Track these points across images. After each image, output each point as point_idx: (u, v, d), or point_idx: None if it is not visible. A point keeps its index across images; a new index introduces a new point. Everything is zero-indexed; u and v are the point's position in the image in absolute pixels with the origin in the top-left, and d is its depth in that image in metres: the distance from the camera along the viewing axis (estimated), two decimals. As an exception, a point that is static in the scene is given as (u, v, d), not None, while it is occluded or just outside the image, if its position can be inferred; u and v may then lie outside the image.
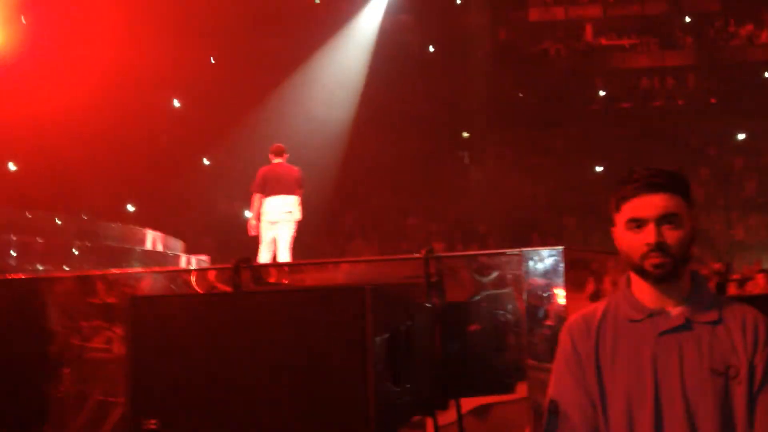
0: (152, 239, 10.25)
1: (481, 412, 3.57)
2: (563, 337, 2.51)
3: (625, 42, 22.02)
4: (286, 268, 3.16)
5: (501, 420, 3.56)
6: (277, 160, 9.15)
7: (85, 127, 13.60)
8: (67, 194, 13.14)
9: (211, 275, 3.17)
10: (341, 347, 2.55)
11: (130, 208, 15.85)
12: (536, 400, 3.23)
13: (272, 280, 3.11)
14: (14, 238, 7.43)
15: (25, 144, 12.75)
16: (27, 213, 8.57)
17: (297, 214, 8.93)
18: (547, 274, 3.34)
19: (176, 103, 18.44)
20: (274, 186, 8.80)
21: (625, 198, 2.35)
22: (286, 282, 3.26)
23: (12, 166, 13.57)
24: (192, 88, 17.30)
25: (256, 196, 8.98)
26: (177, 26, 15.92)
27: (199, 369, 2.58)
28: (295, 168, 9.18)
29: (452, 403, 3.34)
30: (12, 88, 12.39)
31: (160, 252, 10.28)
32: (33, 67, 13.06)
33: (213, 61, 18.54)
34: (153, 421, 2.55)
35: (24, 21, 13.01)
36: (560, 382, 2.48)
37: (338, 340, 2.55)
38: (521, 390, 3.38)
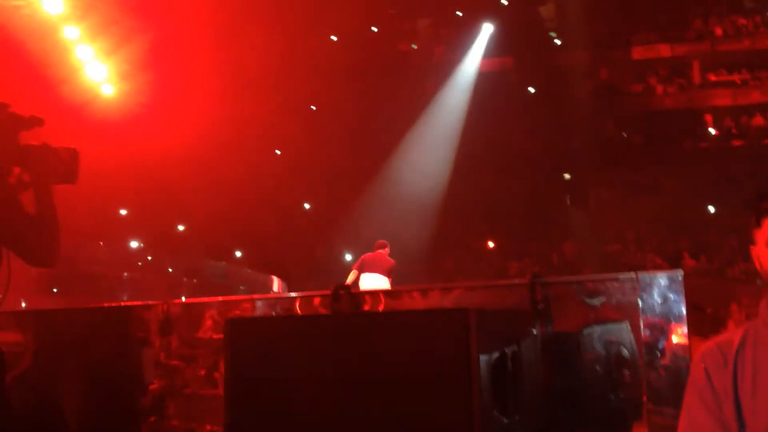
0: (257, 280, 10.46)
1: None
2: (696, 368, 2.30)
3: (736, 77, 21.11)
4: (382, 296, 3.07)
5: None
6: (379, 250, 10.61)
7: (194, 175, 14.13)
8: (178, 235, 13.61)
9: (315, 302, 3.11)
10: (443, 372, 2.41)
11: (238, 254, 16.28)
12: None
13: (367, 307, 3.03)
14: (126, 275, 7.74)
15: (140, 186, 13.36)
16: (129, 250, 8.92)
17: (387, 285, 10.03)
18: (666, 300, 3.10)
19: (278, 152, 18.94)
20: (371, 267, 10.32)
21: (767, 213, 2.16)
22: (382, 308, 3.17)
23: (122, 211, 14.19)
24: (293, 136, 17.75)
25: (353, 272, 10.41)
26: (277, 77, 16.45)
27: (298, 392, 2.50)
28: (391, 260, 10.58)
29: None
30: (131, 137, 13.09)
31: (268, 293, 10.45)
32: (150, 120, 13.75)
33: (314, 109, 19.00)
34: (251, 447, 2.48)
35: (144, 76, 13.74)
36: (693, 418, 2.25)
37: (441, 364, 2.41)
38: (638, 429, 3.12)
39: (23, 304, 5.65)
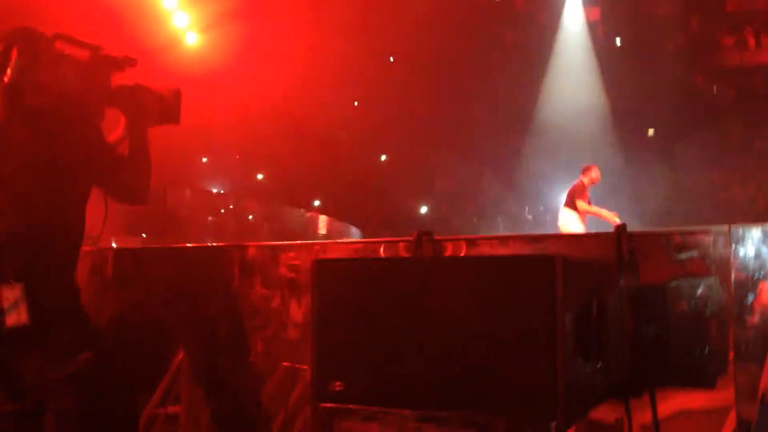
0: (334, 227, 10.63)
1: (677, 415, 3.28)
2: None
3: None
4: (463, 243, 3.08)
5: (699, 426, 3.24)
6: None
7: (277, 124, 14.32)
8: (259, 183, 13.89)
9: (399, 246, 3.15)
10: (529, 317, 2.41)
11: (317, 203, 16.51)
12: (742, 410, 2.91)
13: (448, 253, 3.04)
14: (211, 219, 7.98)
15: (225, 138, 13.65)
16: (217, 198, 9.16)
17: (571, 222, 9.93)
18: (759, 255, 3.00)
19: (356, 104, 18.96)
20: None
21: None
22: (464, 254, 3.18)
23: (204, 159, 14.54)
24: (371, 86, 17.72)
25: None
26: (358, 28, 16.37)
27: (382, 333, 2.55)
28: (576, 185, 10.48)
29: (646, 395, 3.09)
30: (216, 87, 13.32)
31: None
32: (234, 70, 13.95)
33: (392, 60, 18.89)
34: (338, 383, 2.55)
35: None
36: None
37: (526, 309, 2.41)
38: (723, 390, 3.06)
39: (114, 244, 5.91)
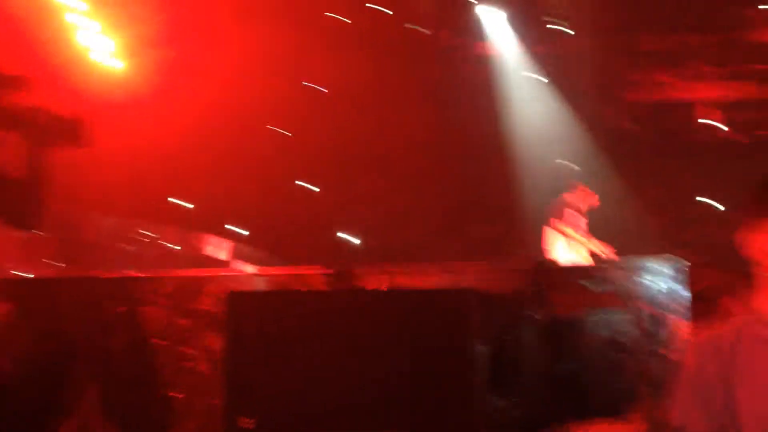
0: (264, 260, 10.49)
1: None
2: (689, 358, 2.31)
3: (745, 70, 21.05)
4: (385, 275, 3.06)
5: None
6: None
7: (205, 151, 14.06)
8: (186, 214, 13.58)
9: (319, 279, 3.09)
10: (444, 352, 2.42)
11: (244, 232, 16.22)
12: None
13: (371, 287, 3.01)
14: (130, 247, 7.76)
15: (150, 163, 13.31)
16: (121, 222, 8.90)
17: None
18: (669, 289, 3.09)
19: (289, 134, 18.85)
20: None
21: (764, 210, 2.13)
22: (385, 287, 3.16)
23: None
24: (303, 116, 17.67)
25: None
26: (289, 56, 16.36)
27: (296, 368, 2.50)
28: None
29: (561, 427, 3.12)
30: (137, 113, 12.99)
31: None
32: (157, 95, 13.64)
33: (325, 90, 18.91)
34: (248, 420, 2.48)
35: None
36: (685, 408, 2.26)
37: (441, 343, 2.42)
38: (637, 420, 3.12)
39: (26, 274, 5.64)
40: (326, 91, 18.17)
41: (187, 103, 13.86)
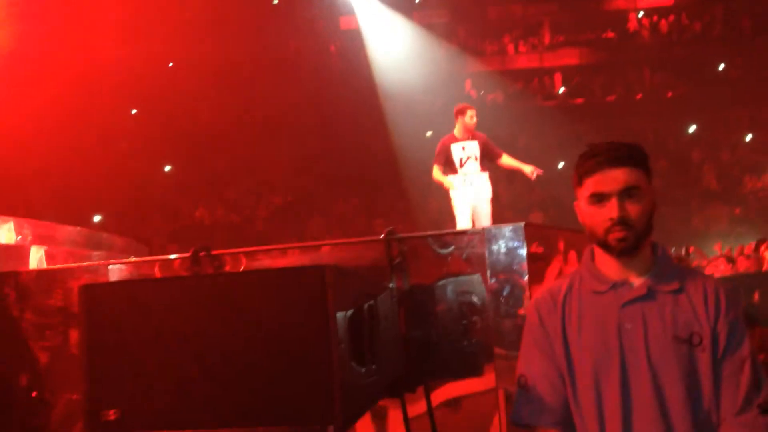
0: (115, 244, 10.09)
1: (450, 403, 3.54)
2: (530, 312, 2.54)
3: (582, 38, 22.34)
4: (243, 257, 3.11)
5: (471, 409, 3.54)
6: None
7: (44, 136, 13.39)
8: (29, 202, 12.91)
9: (175, 264, 3.10)
10: (302, 327, 2.50)
11: (97, 218, 15.60)
12: (506, 387, 3.22)
13: (229, 268, 3.05)
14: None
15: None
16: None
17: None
18: (510, 251, 3.33)
19: (134, 111, 18.21)
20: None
21: (587, 173, 2.39)
22: (244, 268, 3.21)
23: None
24: (150, 93, 17.12)
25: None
26: (136, 30, 15.75)
27: (158, 355, 2.51)
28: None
29: (421, 390, 3.31)
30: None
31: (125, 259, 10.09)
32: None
33: (171, 65, 18.34)
34: (112, 411, 2.47)
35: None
36: (528, 357, 2.50)
37: (299, 320, 2.50)
38: (489, 375, 3.36)
39: None
40: (171, 64, 17.61)
41: (31, 85, 13.10)
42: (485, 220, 8.69)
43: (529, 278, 3.37)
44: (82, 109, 14.36)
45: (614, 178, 2.32)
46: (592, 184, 2.36)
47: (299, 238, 17.55)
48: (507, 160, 8.92)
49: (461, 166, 8.69)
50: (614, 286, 2.39)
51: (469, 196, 8.72)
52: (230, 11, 18.05)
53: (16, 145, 12.97)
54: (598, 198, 2.35)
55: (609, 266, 2.40)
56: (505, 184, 19.04)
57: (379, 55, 20.41)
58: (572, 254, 3.64)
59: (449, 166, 8.76)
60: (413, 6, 21.59)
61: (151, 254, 12.70)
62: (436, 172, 8.73)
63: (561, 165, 20.25)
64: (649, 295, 2.34)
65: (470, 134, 8.72)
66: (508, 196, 19.20)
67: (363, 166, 18.34)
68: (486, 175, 8.77)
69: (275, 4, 20.54)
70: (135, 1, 15.42)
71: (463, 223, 8.73)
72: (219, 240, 15.79)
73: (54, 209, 12.85)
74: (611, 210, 2.32)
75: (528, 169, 8.77)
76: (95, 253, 9.43)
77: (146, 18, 15.85)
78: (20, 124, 12.91)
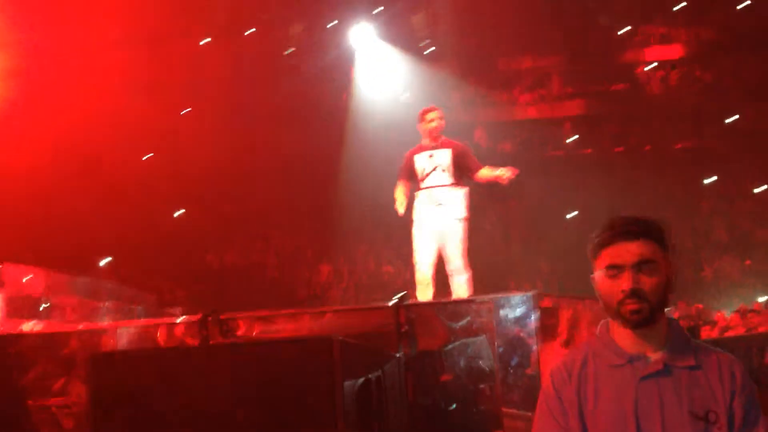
0: (125, 295, 10.14)
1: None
2: (546, 383, 2.56)
3: (591, 89, 22.53)
4: (250, 320, 3.12)
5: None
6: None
7: (52, 182, 13.55)
8: (37, 248, 12.99)
9: (179, 329, 3.11)
10: (310, 397, 2.50)
11: (104, 261, 15.67)
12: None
13: (241, 332, 3.06)
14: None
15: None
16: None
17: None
18: (520, 320, 3.33)
19: (145, 157, 18.42)
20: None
21: (602, 245, 2.44)
22: (256, 333, 3.22)
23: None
24: (164, 139, 17.34)
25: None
26: (150, 81, 16.02)
27: (164, 424, 2.51)
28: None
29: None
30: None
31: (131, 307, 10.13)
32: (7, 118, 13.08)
33: (183, 113, 18.60)
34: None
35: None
36: (543, 427, 2.50)
37: (307, 391, 2.50)
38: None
39: None
40: (189, 109, 17.85)
41: (51, 131, 13.30)
42: (454, 247, 6.84)
43: (538, 344, 3.35)
44: (92, 154, 14.56)
45: (628, 250, 2.37)
46: (607, 257, 2.41)
47: (308, 284, 17.56)
48: (484, 173, 7.28)
49: (423, 179, 7.17)
50: (631, 359, 2.41)
51: (432, 221, 6.98)
52: (243, 62, 18.38)
53: (24, 191, 13.12)
54: (613, 270, 2.39)
55: (625, 339, 2.44)
56: (514, 235, 19.07)
57: (390, 104, 20.65)
58: (581, 321, 3.64)
59: (415, 182, 7.33)
60: (425, 55, 21.90)
61: (159, 302, 12.71)
62: (398, 191, 7.26)
63: (569, 215, 20.27)
64: (665, 370, 2.37)
65: (437, 141, 7.28)
66: (515, 246, 19.18)
67: (375, 212, 18.42)
68: (461, 192, 7.13)
69: (288, 54, 20.88)
70: (150, 52, 15.74)
71: (420, 264, 6.87)
72: (228, 285, 15.79)
73: (62, 255, 12.93)
74: (625, 282, 2.36)
75: (501, 172, 7.17)
76: (104, 304, 9.48)
77: (161, 68, 16.15)
78: (28, 169, 13.09)
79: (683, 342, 2.43)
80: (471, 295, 3.33)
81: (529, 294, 3.33)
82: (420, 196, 7.12)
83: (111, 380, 2.56)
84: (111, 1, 14.31)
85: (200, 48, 18.28)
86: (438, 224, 6.93)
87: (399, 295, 3.14)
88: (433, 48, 21.80)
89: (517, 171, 7.20)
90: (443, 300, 3.24)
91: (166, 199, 17.40)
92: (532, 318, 3.30)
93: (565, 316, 3.62)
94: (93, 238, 14.96)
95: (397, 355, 3.10)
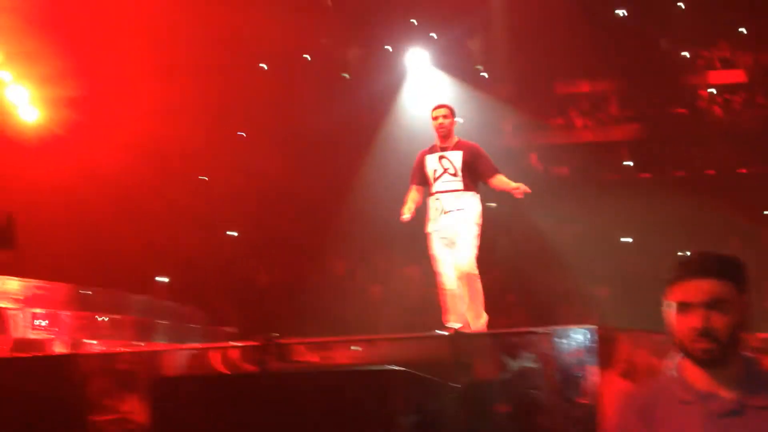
0: (180, 313, 10.32)
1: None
2: (612, 414, 2.52)
3: (650, 112, 22.17)
4: (305, 347, 3.13)
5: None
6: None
7: (114, 197, 13.91)
8: (96, 265, 13.32)
9: (234, 353, 3.14)
10: (368, 429, 2.49)
11: (161, 280, 16.00)
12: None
13: (297, 357, 3.07)
14: (42, 311, 7.51)
15: (53, 214, 13.08)
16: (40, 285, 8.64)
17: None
18: (578, 352, 3.26)
19: (204, 178, 18.79)
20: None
21: (675, 281, 2.42)
22: (314, 359, 3.22)
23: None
24: (217, 161, 17.68)
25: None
26: (209, 104, 16.38)
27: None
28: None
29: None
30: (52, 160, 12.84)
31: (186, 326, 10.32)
32: (74, 143, 13.52)
33: (243, 135, 18.95)
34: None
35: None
36: None
37: (365, 422, 2.49)
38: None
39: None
40: (244, 135, 18.19)
41: (102, 152, 13.69)
42: (462, 253, 6.30)
43: (595, 375, 3.29)
44: (149, 175, 14.92)
45: (700, 288, 2.33)
46: (679, 293, 2.39)
47: (358, 306, 17.60)
48: (499, 181, 6.90)
49: (434, 181, 6.80)
50: (702, 397, 2.35)
51: (441, 229, 6.64)
52: (299, 85, 18.66)
53: (86, 212, 13.50)
54: (684, 307, 2.37)
55: (696, 375, 2.40)
56: (569, 260, 18.78)
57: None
58: (640, 352, 3.55)
59: (427, 185, 6.96)
60: (480, 79, 21.89)
61: (213, 320, 12.89)
62: (409, 195, 6.95)
63: (627, 240, 19.90)
64: (739, 410, 2.29)
65: (448, 142, 6.94)
66: (570, 272, 18.89)
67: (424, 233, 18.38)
68: (472, 199, 6.70)
69: (346, 78, 21.13)
70: (210, 77, 16.10)
71: (442, 275, 6.43)
72: (279, 305, 15.92)
73: (117, 275, 13.24)
74: (696, 320, 2.33)
75: (518, 185, 6.88)
76: (160, 321, 9.67)
77: (220, 93, 16.51)
78: (91, 191, 13.47)
79: (759, 380, 2.36)
80: (528, 329, 3.28)
81: (589, 327, 3.27)
82: (430, 202, 6.83)
83: (172, 405, 2.60)
84: (176, 29, 14.74)
85: (260, 72, 18.65)
86: (447, 232, 6.61)
87: (456, 325, 3.11)
88: (486, 74, 21.81)
89: (529, 191, 6.90)
90: (501, 330, 3.20)
91: (224, 219, 17.71)
92: (591, 349, 3.24)
93: (623, 346, 3.55)
94: (147, 257, 15.29)
95: (454, 385, 3.07)
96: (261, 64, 19.10)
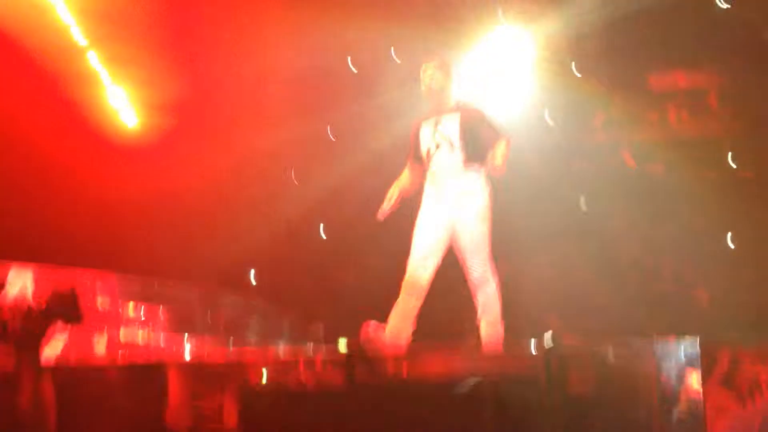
0: (270, 313, 10.49)
1: None
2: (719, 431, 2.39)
3: (753, 107, 21.10)
4: (403, 360, 3.08)
5: None
6: None
7: (211, 202, 14.28)
8: (194, 264, 13.73)
9: (328, 366, 3.12)
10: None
11: (253, 280, 16.36)
12: None
13: (386, 369, 3.02)
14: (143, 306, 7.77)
15: (158, 216, 13.55)
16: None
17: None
18: (681, 366, 3.10)
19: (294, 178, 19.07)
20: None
21: None
22: (404, 369, 3.17)
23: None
24: (310, 157, 17.88)
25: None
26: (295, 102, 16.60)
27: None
28: None
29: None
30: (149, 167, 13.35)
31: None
32: (170, 149, 14.01)
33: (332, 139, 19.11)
34: None
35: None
36: None
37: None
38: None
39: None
40: (334, 139, 18.41)
41: (201, 156, 14.09)
42: (472, 252, 5.32)
43: (699, 389, 3.12)
44: (246, 182, 15.26)
45: None
46: None
47: (443, 313, 17.41)
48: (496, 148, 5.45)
49: (428, 159, 5.58)
50: None
51: (437, 213, 5.41)
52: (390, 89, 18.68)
53: (183, 210, 13.92)
54: None
55: None
56: (665, 264, 18.05)
57: (531, 119, 20.27)
58: (744, 361, 3.35)
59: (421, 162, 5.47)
60: (569, 74, 21.33)
61: (302, 318, 13.06)
62: (397, 181, 5.80)
63: (727, 238, 19.01)
64: None
65: (442, 105, 5.67)
66: (667, 270, 18.17)
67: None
68: (476, 176, 5.45)
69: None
70: (305, 82, 16.34)
71: (417, 266, 5.39)
72: (363, 308, 15.96)
73: (213, 271, 13.58)
74: None
75: (499, 161, 5.44)
76: (251, 320, 9.87)
77: (313, 98, 16.73)
78: (188, 190, 13.87)
79: None
80: (626, 339, 3.13)
81: (691, 338, 3.09)
82: (426, 186, 5.60)
83: (261, 415, 2.59)
84: (275, 34, 15.05)
85: (351, 77, 18.75)
86: (446, 222, 5.50)
87: (550, 345, 3.00)
88: (577, 68, 21.24)
89: (502, 172, 5.53)
90: (597, 344, 3.07)
91: (315, 221, 17.91)
92: (693, 362, 3.07)
93: (728, 359, 3.35)
94: (239, 254, 15.63)
95: (548, 400, 2.96)
96: (351, 67, 19.23)
